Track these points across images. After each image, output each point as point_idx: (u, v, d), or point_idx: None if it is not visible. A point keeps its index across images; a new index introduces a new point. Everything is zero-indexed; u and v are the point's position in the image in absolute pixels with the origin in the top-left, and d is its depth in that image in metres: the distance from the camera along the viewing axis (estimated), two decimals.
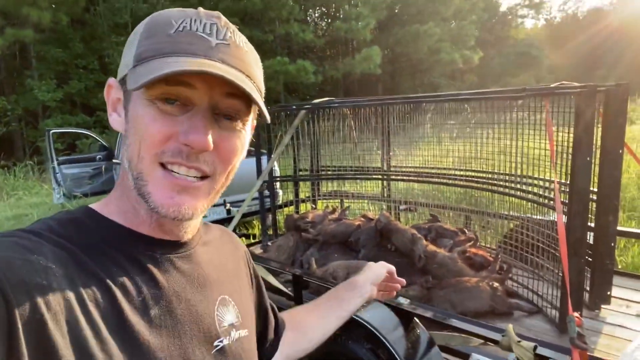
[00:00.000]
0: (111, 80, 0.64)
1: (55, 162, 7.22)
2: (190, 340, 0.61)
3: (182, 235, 0.67)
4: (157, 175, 0.58)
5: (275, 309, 0.97)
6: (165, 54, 0.55)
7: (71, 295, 0.49)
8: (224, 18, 0.61)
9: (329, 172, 3.85)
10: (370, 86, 24.55)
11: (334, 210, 3.42)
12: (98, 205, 0.65)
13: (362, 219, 3.12)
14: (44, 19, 13.77)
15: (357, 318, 1.85)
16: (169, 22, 0.57)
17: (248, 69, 0.59)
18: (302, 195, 3.94)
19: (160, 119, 0.56)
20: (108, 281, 0.55)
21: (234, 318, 0.72)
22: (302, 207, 3.90)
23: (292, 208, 3.82)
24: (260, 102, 0.59)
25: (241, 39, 0.61)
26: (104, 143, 8.18)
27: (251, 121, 0.65)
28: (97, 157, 7.78)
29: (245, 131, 0.64)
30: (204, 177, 0.60)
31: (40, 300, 0.46)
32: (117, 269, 0.57)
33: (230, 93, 0.58)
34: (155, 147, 0.57)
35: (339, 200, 3.86)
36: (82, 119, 16.18)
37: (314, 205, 3.86)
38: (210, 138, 0.57)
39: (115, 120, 0.63)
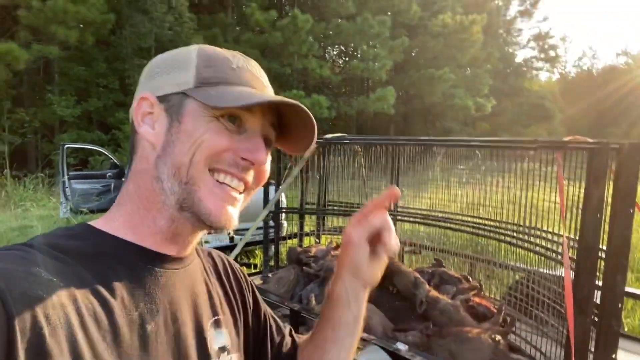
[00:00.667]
0: (147, 95, 0.65)
1: (66, 177, 7.30)
2: (183, 358, 0.61)
3: (185, 249, 0.68)
4: (208, 182, 0.62)
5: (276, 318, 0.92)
6: (233, 83, 0.63)
7: (71, 309, 0.49)
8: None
9: (335, 208, 3.84)
10: (382, 126, 24.80)
11: (337, 247, 3.39)
12: (98, 222, 0.65)
13: None
14: (70, 37, 14.21)
15: None
16: (227, 59, 0.65)
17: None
18: (306, 229, 3.93)
19: (224, 134, 0.62)
20: (106, 294, 0.55)
21: (225, 341, 0.71)
22: (306, 241, 3.88)
23: (295, 241, 3.79)
24: (314, 124, 0.68)
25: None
26: (116, 161, 8.27)
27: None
28: (108, 174, 7.87)
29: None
30: (241, 191, 0.66)
31: (40, 313, 0.46)
32: (115, 282, 0.57)
33: (272, 123, 0.68)
34: (213, 155, 0.61)
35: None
36: (97, 136, 16.43)
37: (317, 240, 3.83)
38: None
39: (147, 132, 0.64)
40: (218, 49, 0.67)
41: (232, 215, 0.64)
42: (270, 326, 0.88)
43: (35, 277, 0.49)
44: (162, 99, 0.64)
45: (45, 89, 16.19)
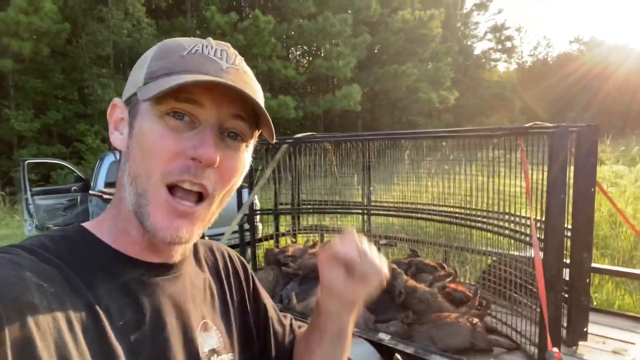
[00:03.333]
0: (116, 100, 0.64)
1: (29, 193, 7.05)
2: None
3: (172, 256, 0.67)
4: (161, 197, 0.58)
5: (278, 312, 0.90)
6: (177, 72, 0.57)
7: (60, 316, 0.49)
8: (232, 48, 0.64)
9: (309, 207, 3.86)
10: (350, 122, 24.97)
11: (314, 245, 3.41)
12: (91, 224, 0.65)
13: None
14: (24, 49, 13.69)
15: None
16: (181, 46, 0.60)
17: (254, 94, 0.61)
18: (282, 229, 3.93)
19: (168, 135, 0.57)
20: (94, 303, 0.54)
21: (215, 343, 0.70)
22: (282, 241, 3.88)
23: (272, 242, 3.79)
24: (267, 118, 0.61)
25: (247, 68, 0.64)
26: (80, 174, 8.04)
27: (252, 147, 0.67)
28: (72, 188, 7.63)
29: (247, 153, 0.65)
30: (201, 200, 0.60)
31: (30, 319, 0.46)
32: (103, 291, 0.57)
33: (236, 114, 0.60)
34: (163, 165, 0.57)
35: (319, 235, 3.86)
36: (58, 149, 15.91)
37: (294, 240, 3.84)
38: (217, 153, 0.57)
39: (117, 138, 0.63)
40: (184, 39, 0.62)
41: (184, 227, 0.59)
42: (271, 318, 0.87)
43: (25, 282, 0.48)
44: (127, 102, 0.62)
45: (1, 104, 15.55)
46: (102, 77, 16.23)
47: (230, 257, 0.85)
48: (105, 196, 5.69)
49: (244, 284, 0.83)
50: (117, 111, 0.64)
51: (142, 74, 0.60)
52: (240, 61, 0.63)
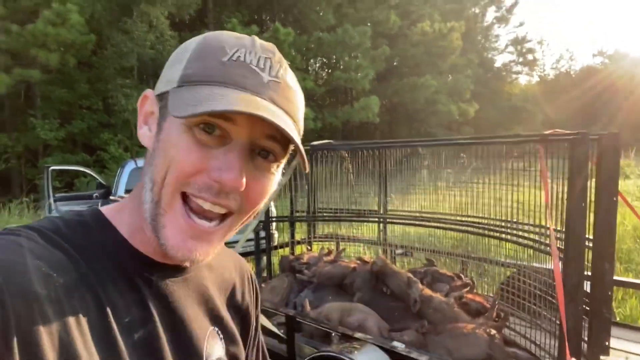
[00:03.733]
0: (148, 92, 0.61)
1: (52, 199, 7.21)
2: None
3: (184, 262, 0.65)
4: (176, 208, 0.55)
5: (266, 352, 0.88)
6: (214, 82, 0.53)
7: (67, 308, 0.49)
8: (278, 53, 0.59)
9: (325, 215, 3.85)
10: (368, 134, 24.95)
11: (329, 252, 3.40)
12: (110, 211, 0.63)
13: (358, 261, 3.10)
14: (51, 60, 14.12)
15: None
16: (223, 49, 0.56)
17: (294, 111, 0.58)
18: (297, 237, 3.92)
19: (195, 150, 0.54)
20: (102, 297, 0.54)
21: (220, 353, 0.69)
22: (298, 249, 3.88)
23: (287, 249, 3.79)
24: (302, 148, 0.57)
25: (292, 78, 0.60)
26: (102, 181, 8.21)
27: (283, 164, 0.63)
28: (94, 194, 7.78)
29: (277, 173, 0.62)
30: (226, 216, 0.58)
31: (37, 311, 0.45)
32: (112, 286, 0.56)
33: (269, 135, 0.56)
34: (183, 178, 0.54)
35: (335, 243, 3.84)
36: (82, 158, 16.27)
37: (309, 247, 3.83)
38: (244, 179, 0.54)
39: (144, 134, 0.60)
40: (228, 35, 0.58)
41: (198, 249, 0.56)
42: (260, 346, 0.85)
43: (34, 271, 0.48)
44: (159, 97, 0.59)
45: (28, 113, 16.02)
46: (126, 87, 16.59)
47: (250, 275, 0.83)
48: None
49: (251, 308, 0.81)
50: (147, 104, 0.61)
51: (178, 72, 0.56)
52: (284, 71, 0.58)
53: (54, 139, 15.29)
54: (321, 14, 21.31)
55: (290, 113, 0.57)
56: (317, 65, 26.61)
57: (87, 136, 16.83)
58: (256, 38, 0.59)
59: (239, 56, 0.55)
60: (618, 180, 2.17)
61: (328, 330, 2.14)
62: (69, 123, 16.26)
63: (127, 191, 6.48)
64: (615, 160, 2.14)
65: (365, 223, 3.93)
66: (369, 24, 21.77)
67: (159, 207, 0.55)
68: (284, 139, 0.57)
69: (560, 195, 2.14)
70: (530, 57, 38.40)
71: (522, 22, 48.72)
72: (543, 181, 2.10)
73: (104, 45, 16.82)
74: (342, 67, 22.22)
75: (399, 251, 3.62)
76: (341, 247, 3.67)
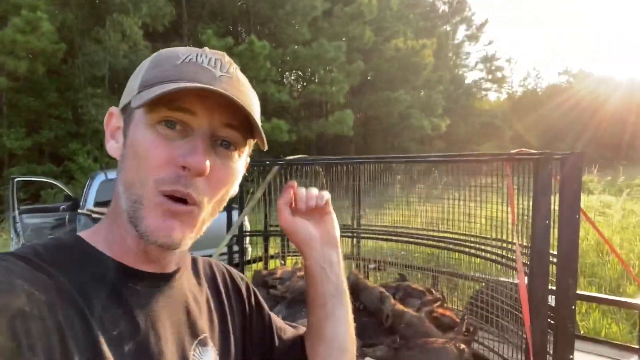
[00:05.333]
0: (113, 109, 0.66)
1: (16, 211, 6.97)
2: None
3: (166, 266, 0.67)
4: (153, 199, 0.58)
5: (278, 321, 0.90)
6: (170, 80, 0.57)
7: (50, 324, 0.49)
8: (228, 57, 0.64)
9: None
10: (342, 147, 25.15)
11: (302, 268, 3.39)
12: (87, 234, 0.65)
13: None
14: (20, 68, 13.77)
15: None
16: (176, 55, 0.61)
17: (249, 102, 0.61)
18: (271, 252, 3.91)
19: (159, 142, 0.57)
20: (86, 312, 0.54)
21: (211, 359, 0.70)
22: (272, 264, 3.86)
23: (260, 264, 3.77)
24: (259, 128, 0.62)
25: (243, 77, 0.65)
26: (70, 193, 7.99)
27: (246, 155, 0.68)
28: (61, 207, 7.57)
29: (240, 162, 0.65)
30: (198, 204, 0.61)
31: (19, 327, 0.46)
32: (96, 300, 0.56)
33: (229, 124, 0.60)
34: (155, 172, 0.57)
35: None
36: (49, 168, 15.83)
37: (283, 262, 3.82)
38: (207, 162, 0.57)
39: (112, 147, 0.64)
40: (180, 48, 0.64)
41: (177, 229, 0.58)
42: (275, 324, 0.87)
43: (16, 288, 0.48)
44: (122, 110, 0.64)
45: None
46: (97, 97, 16.31)
47: (229, 272, 0.84)
48: (94, 215, 5.63)
49: (244, 298, 0.83)
50: (113, 119, 0.65)
51: (137, 82, 0.61)
52: (235, 69, 0.63)
53: (19, 148, 14.87)
54: (297, 27, 21.49)
55: (244, 102, 0.59)
56: (293, 78, 26.80)
57: (55, 146, 16.41)
58: (207, 47, 0.65)
59: (191, 58, 0.60)
60: (580, 198, 2.26)
61: None
62: (37, 132, 15.85)
63: (97, 204, 6.33)
64: (578, 180, 2.23)
65: None
66: (344, 39, 22.06)
67: (138, 203, 0.58)
68: (243, 127, 0.62)
69: (526, 212, 2.22)
70: (499, 74, 39.67)
71: (491, 40, 50.48)
72: (509, 199, 2.17)
73: (75, 53, 16.52)
74: (317, 80, 22.44)
75: (372, 265, 3.65)
76: None
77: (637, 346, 2.53)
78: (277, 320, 0.89)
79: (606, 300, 3.00)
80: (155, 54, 0.65)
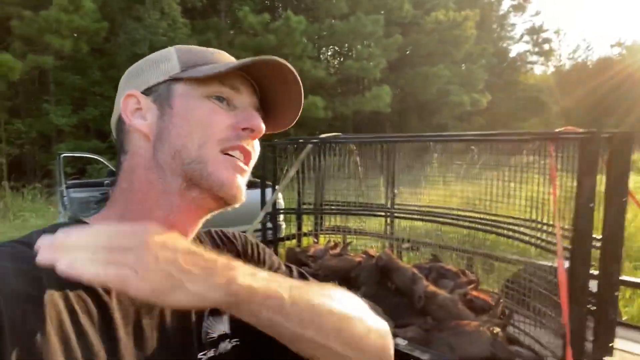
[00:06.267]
0: (132, 90, 0.66)
1: (64, 186, 7.29)
2: (172, 352, 0.62)
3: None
4: (219, 158, 0.62)
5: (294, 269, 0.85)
6: (214, 62, 0.66)
7: (62, 307, 0.50)
8: None
9: (333, 207, 3.85)
10: (378, 124, 24.81)
11: (335, 246, 3.40)
12: (93, 219, 0.67)
13: (364, 255, 3.10)
14: (64, 46, 14.21)
15: None
16: (203, 48, 0.69)
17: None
18: (304, 229, 3.93)
19: (219, 111, 0.63)
20: (99, 290, 0.55)
21: (225, 327, 0.71)
22: (305, 241, 3.89)
23: (294, 241, 3.80)
24: (302, 97, 0.70)
25: None
26: (114, 169, 8.26)
27: None
28: (105, 182, 7.85)
29: None
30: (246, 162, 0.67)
31: (30, 311, 0.46)
32: None
33: (257, 106, 0.69)
34: (220, 134, 0.63)
35: (342, 236, 3.84)
36: (94, 144, 16.43)
37: (316, 240, 3.84)
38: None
39: (142, 124, 0.65)
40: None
41: (242, 186, 0.65)
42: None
43: (25, 274, 0.49)
44: (147, 92, 0.65)
45: (41, 99, 16.20)
46: None
47: (246, 240, 0.82)
48: None
49: (251, 252, 0.82)
50: (132, 101, 0.65)
51: (175, 64, 0.65)
52: None
53: (66, 124, 15.46)
54: (334, 1, 21.09)
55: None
56: (329, 53, 26.44)
57: (100, 123, 16.96)
58: None
59: (216, 52, 0.70)
60: (628, 181, 2.14)
61: None
62: (82, 109, 16.40)
63: None
64: (626, 160, 2.10)
65: (372, 217, 3.92)
66: (382, 12, 21.51)
67: (198, 162, 0.61)
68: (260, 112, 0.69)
69: (570, 193, 2.12)
70: (546, 47, 37.74)
71: (538, 10, 47.88)
72: (552, 180, 2.07)
73: (116, 32, 16.85)
74: (354, 55, 22.07)
75: (405, 245, 3.61)
76: (347, 241, 3.67)
77: None
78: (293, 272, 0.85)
79: None
80: (173, 47, 0.70)
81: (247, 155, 0.65)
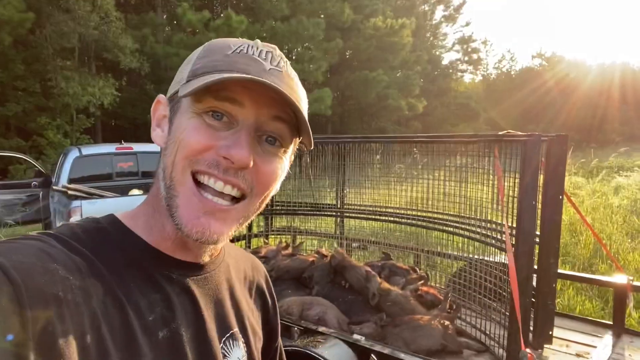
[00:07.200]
0: (160, 97, 0.65)
1: None
2: None
3: (201, 256, 0.65)
4: (187, 187, 0.57)
5: (283, 354, 0.89)
6: (220, 70, 0.56)
7: (84, 309, 0.49)
8: (279, 50, 0.62)
9: (282, 208, 3.85)
10: (320, 126, 25.08)
11: (287, 246, 3.40)
12: (125, 216, 0.64)
13: (316, 255, 3.12)
14: None
15: (314, 354, 1.82)
16: (228, 45, 0.60)
17: (297, 98, 0.60)
18: (254, 230, 3.89)
19: (203, 129, 0.56)
20: (122, 297, 0.54)
21: (240, 355, 0.69)
22: (254, 242, 3.85)
23: (243, 242, 3.75)
24: (307, 125, 0.60)
25: (293, 72, 0.63)
26: (41, 169, 7.73)
27: (291, 152, 0.65)
28: (33, 183, 7.33)
29: (284, 159, 0.63)
30: (238, 200, 0.59)
31: (54, 312, 0.46)
32: (132, 285, 0.56)
33: (276, 117, 0.59)
34: (191, 155, 0.56)
35: (292, 236, 3.85)
36: (16, 143, 15.24)
37: (266, 240, 3.81)
38: (251, 156, 0.56)
39: (157, 135, 0.63)
40: (232, 39, 0.62)
41: (212, 226, 0.57)
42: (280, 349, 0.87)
43: (52, 274, 0.48)
44: (170, 99, 0.63)
45: None
46: (67, 69, 15.66)
47: (267, 279, 0.84)
48: (70, 192, 5.47)
49: (270, 309, 0.83)
50: (160, 108, 0.64)
51: (186, 71, 0.60)
52: (285, 64, 0.61)
53: None
54: (275, 2, 21.05)
55: (293, 98, 0.58)
56: None
57: (22, 120, 15.77)
58: (258, 40, 0.63)
59: (242, 49, 0.59)
60: (564, 180, 2.32)
61: (290, 324, 2.15)
62: (3, 105, 15.15)
63: (71, 180, 6.14)
64: (562, 161, 2.28)
65: (321, 217, 3.95)
66: (322, 16, 21.78)
67: (172, 189, 0.57)
68: (291, 122, 0.59)
69: (509, 192, 2.26)
70: (475, 56, 39.96)
71: (468, 21, 50.46)
72: (498, 180, 2.20)
73: (42, 24, 15.72)
74: (295, 58, 22.12)
75: (354, 244, 3.68)
76: (299, 241, 3.68)
77: (610, 322, 2.64)
78: (282, 357, 0.88)
79: (583, 278, 3.11)
80: (207, 43, 0.63)
81: (237, 187, 0.57)
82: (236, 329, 0.70)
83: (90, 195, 5.54)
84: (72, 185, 5.75)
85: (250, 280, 0.79)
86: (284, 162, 0.63)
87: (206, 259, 0.67)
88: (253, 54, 0.59)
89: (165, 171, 0.58)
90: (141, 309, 0.55)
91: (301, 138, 0.63)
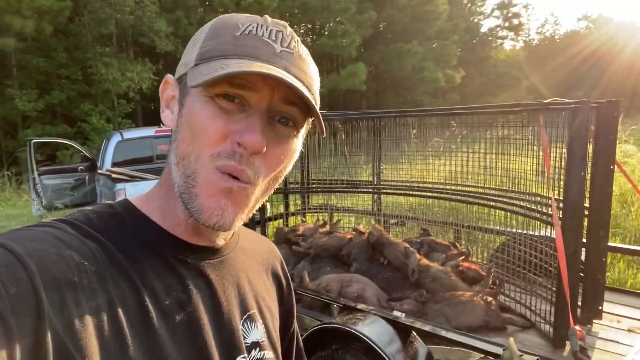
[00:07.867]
0: (168, 77, 0.64)
1: (36, 173, 7.05)
2: (211, 352, 0.59)
3: (215, 240, 0.65)
4: (210, 178, 0.55)
5: (299, 337, 0.88)
6: (228, 55, 0.55)
7: (100, 295, 0.49)
8: (289, 28, 0.60)
9: (318, 186, 3.84)
10: (354, 102, 24.77)
11: (324, 224, 3.40)
12: (139, 201, 0.64)
13: (354, 232, 3.11)
14: (27, 28, 13.57)
15: (354, 331, 1.82)
16: (236, 25, 0.58)
17: (309, 81, 0.59)
18: (291, 209, 3.92)
19: (218, 116, 0.55)
20: (138, 282, 0.54)
21: (259, 336, 0.69)
22: (291, 221, 3.87)
23: (281, 221, 3.78)
24: (317, 112, 0.58)
25: (304, 51, 0.61)
26: (87, 154, 8.03)
27: (303, 134, 0.64)
28: (79, 167, 7.64)
29: (297, 140, 0.62)
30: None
31: (69, 298, 0.46)
32: (148, 270, 0.56)
33: (288, 100, 0.57)
34: (212, 147, 0.55)
35: (328, 214, 3.85)
36: (63, 129, 15.89)
37: (303, 219, 3.83)
38: (264, 140, 0.55)
39: (167, 117, 0.62)
40: (239, 16, 0.60)
41: (229, 208, 0.56)
42: (293, 347, 0.86)
43: (66, 260, 0.48)
44: (179, 80, 0.61)
45: (4, 84, 15.46)
46: (105, 55, 16.07)
47: (274, 251, 0.83)
48: (113, 175, 5.68)
49: (283, 280, 0.82)
50: (168, 88, 0.63)
51: (194, 53, 0.58)
52: (296, 43, 0.59)
53: (32, 109, 14.86)
54: None
55: (303, 81, 0.57)
56: (302, 31, 26.06)
57: (67, 107, 16.39)
58: (267, 16, 0.60)
59: (251, 30, 0.57)
60: (615, 149, 2.18)
61: (329, 302, 2.16)
62: (48, 93, 15.75)
63: (114, 164, 6.35)
64: (613, 129, 2.14)
65: (357, 194, 3.93)
66: None
67: (192, 179, 0.56)
68: (303, 104, 0.58)
69: (555, 163, 2.15)
70: (515, 21, 38.11)
71: None
72: (544, 151, 2.10)
73: (80, 11, 16.14)
74: (327, 33, 21.83)
75: (392, 221, 3.64)
76: (336, 218, 3.67)
77: None
78: (296, 344, 0.87)
79: (635, 251, 2.96)
80: (213, 21, 0.61)
81: (244, 174, 0.56)
82: (254, 310, 0.69)
83: (132, 178, 5.72)
84: (115, 169, 5.95)
85: (266, 262, 0.79)
86: (296, 143, 0.62)
87: (220, 242, 0.66)
88: (262, 35, 0.57)
89: (184, 161, 0.57)
90: (157, 293, 0.55)
91: (312, 119, 0.62)
